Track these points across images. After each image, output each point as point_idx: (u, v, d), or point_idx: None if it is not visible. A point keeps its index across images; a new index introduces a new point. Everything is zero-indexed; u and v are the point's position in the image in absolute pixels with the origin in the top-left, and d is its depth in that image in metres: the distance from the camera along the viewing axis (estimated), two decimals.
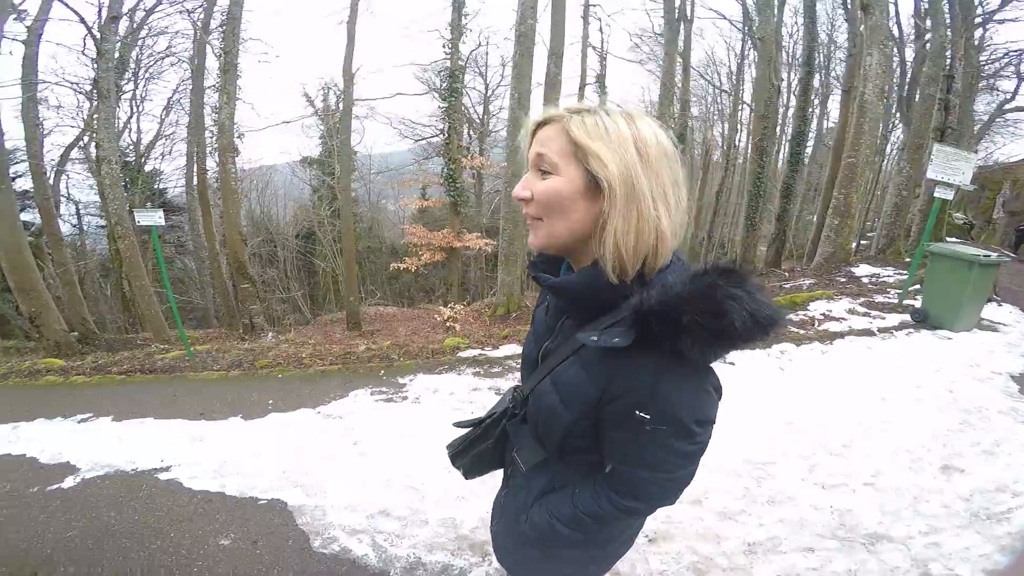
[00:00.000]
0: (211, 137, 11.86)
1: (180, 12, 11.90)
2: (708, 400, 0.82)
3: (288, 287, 20.56)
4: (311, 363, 5.78)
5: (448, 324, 7.51)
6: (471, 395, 4.24)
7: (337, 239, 17.98)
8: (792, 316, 5.57)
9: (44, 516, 2.95)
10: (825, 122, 21.82)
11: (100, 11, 8.55)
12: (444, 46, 12.57)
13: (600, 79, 15.33)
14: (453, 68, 12.65)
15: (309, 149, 20.87)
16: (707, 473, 2.75)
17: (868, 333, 5.15)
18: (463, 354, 5.41)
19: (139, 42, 13.54)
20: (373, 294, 19.42)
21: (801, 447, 3.06)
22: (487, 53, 18.71)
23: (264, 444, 3.64)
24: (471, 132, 18.85)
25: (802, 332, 5.19)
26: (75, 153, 14.77)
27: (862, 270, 8.24)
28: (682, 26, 13.30)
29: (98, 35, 7.51)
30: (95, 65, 7.57)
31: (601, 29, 15.85)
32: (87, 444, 3.92)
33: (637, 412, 0.78)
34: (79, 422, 4.47)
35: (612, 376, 0.80)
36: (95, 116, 9.86)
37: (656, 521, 2.40)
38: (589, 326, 0.82)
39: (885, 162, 21.16)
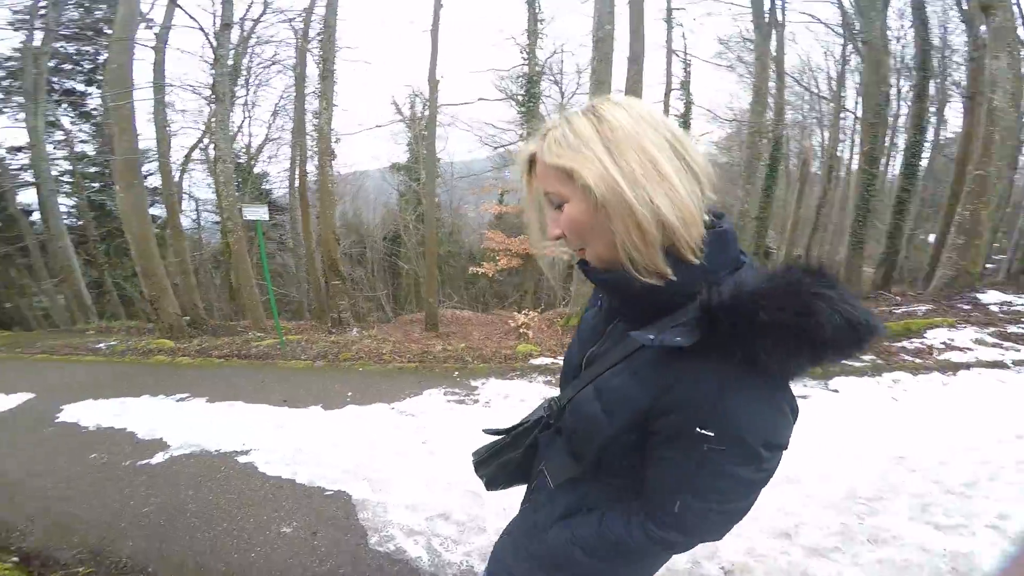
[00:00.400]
0: (311, 141, 12.79)
1: (283, 21, 13.00)
2: (783, 421, 0.70)
3: (374, 286, 21.62)
4: (390, 359, 5.97)
5: (521, 331, 7.50)
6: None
7: (420, 243, 18.67)
8: (906, 343, 4.97)
9: (128, 490, 3.21)
10: (942, 131, 19.58)
11: (215, 19, 9.55)
12: (521, 51, 12.71)
13: (685, 85, 14.78)
14: (531, 74, 12.76)
15: (397, 155, 21.98)
16: (800, 504, 2.48)
17: (1000, 365, 4.47)
18: (535, 361, 5.35)
19: (248, 50, 14.89)
20: (451, 297, 19.93)
21: (914, 484, 2.68)
22: (562, 61, 18.73)
23: (340, 435, 3.78)
24: None
25: (918, 361, 4.61)
26: (196, 154, 16.54)
27: (990, 296, 7.21)
28: (773, 31, 12.49)
29: (214, 42, 8.34)
30: (212, 70, 8.42)
31: (684, 35, 15.33)
32: (181, 423, 4.27)
33: (697, 429, 0.67)
34: (177, 401, 4.90)
35: (669, 384, 0.70)
36: (212, 119, 10.98)
37: (736, 552, 2.18)
38: (646, 328, 0.71)
39: (1018, 175, 18.58)
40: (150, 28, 9.43)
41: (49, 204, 13.10)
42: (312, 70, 11.95)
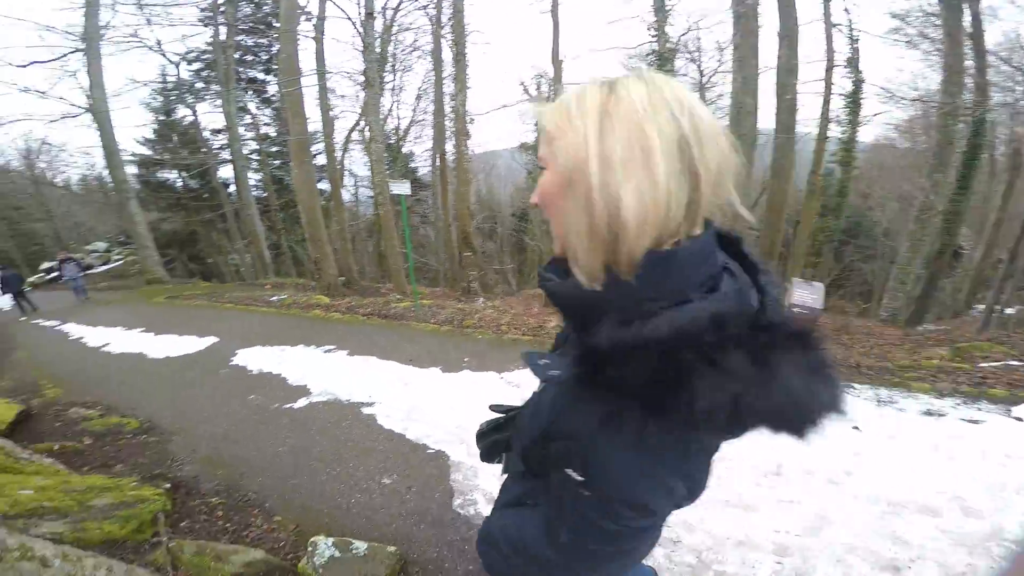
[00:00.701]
0: (449, 122, 13.49)
1: (418, 8, 13.66)
2: (651, 484, 0.60)
3: (502, 260, 22.46)
4: (507, 330, 6.17)
5: None
6: None
7: (544, 220, 18.91)
8: None
9: (272, 430, 3.68)
10: None
11: (359, 9, 10.40)
12: (648, 28, 11.81)
13: (852, 62, 12.58)
14: (661, 51, 11.84)
15: (526, 135, 22.28)
16: (927, 537, 2.07)
17: None
18: None
19: (392, 37, 15.96)
20: None
21: None
22: (699, 38, 17.07)
23: (451, 398, 3.96)
24: None
25: None
26: (355, 135, 18.38)
27: None
28: (965, 5, 10.09)
29: (361, 31, 9.11)
30: (362, 58, 9.24)
31: (846, 8, 12.92)
32: (323, 372, 4.81)
33: (566, 470, 0.63)
34: (324, 352, 5.58)
35: (560, 411, 0.66)
36: (365, 103, 12.12)
37: None
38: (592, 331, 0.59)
39: None
40: (309, 20, 10.59)
41: (241, 178, 15.65)
42: (447, 54, 12.50)
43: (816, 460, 2.58)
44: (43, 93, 10.29)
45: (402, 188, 8.24)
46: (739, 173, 0.58)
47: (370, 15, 8.83)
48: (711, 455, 0.68)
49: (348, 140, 18.00)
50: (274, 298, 11.11)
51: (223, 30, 13.50)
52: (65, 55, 10.35)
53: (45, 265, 21.05)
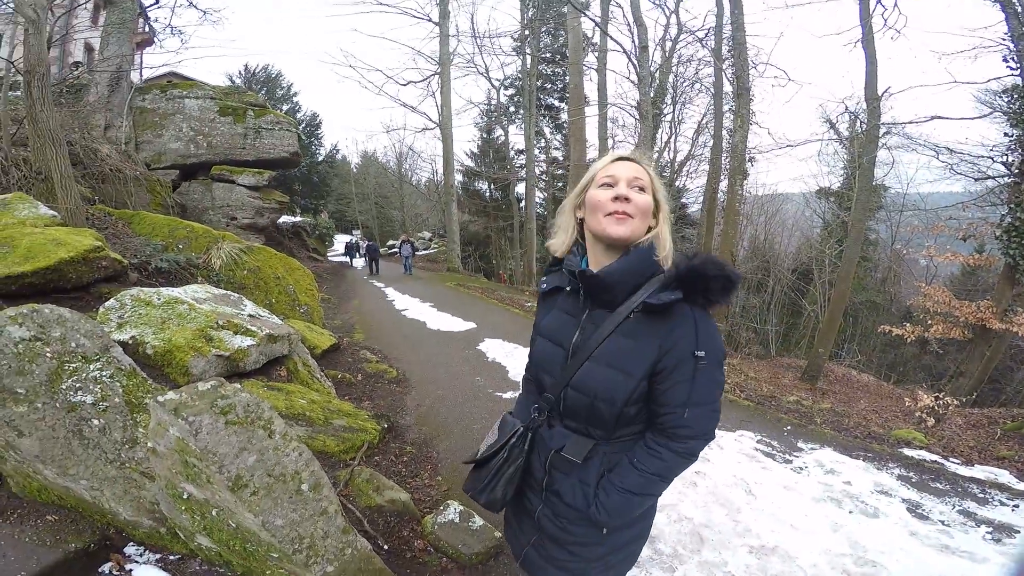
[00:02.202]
0: (726, 158, 12.88)
1: (693, 42, 13.20)
2: (721, 339, 1.10)
3: (766, 319, 20.13)
4: (729, 391, 5.72)
5: (921, 415, 5.68)
6: (873, 496, 3.19)
7: (832, 283, 16.13)
8: None
9: (477, 408, 4.30)
10: None
11: (633, 42, 10.72)
12: (1006, 58, 8.74)
13: None
14: None
15: (827, 180, 19.36)
16: None
17: None
18: (908, 451, 4.07)
19: (672, 69, 15.79)
20: (854, 355, 16.46)
21: None
22: None
23: None
24: None
25: None
26: None
27: None
28: None
29: (636, 63, 9.42)
30: (638, 90, 9.59)
31: None
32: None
33: (695, 352, 1.02)
34: None
35: (668, 330, 1.04)
36: (639, 135, 12.57)
37: None
38: (625, 305, 1.08)
39: None
40: (594, 52, 11.49)
41: (529, 195, 18.02)
42: (729, 87, 11.96)
43: None
44: (413, 108, 13.95)
45: None
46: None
47: (643, 48, 9.15)
48: None
49: None
50: (528, 303, 12.57)
51: (528, 59, 15.77)
52: (427, 78, 13.76)
53: (391, 242, 28.14)
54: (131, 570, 1.65)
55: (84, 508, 1.79)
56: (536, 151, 20.11)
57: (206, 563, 1.69)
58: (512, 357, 6.07)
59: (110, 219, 5.97)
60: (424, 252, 25.24)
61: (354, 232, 32.01)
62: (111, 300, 3.63)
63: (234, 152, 12.40)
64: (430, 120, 13.62)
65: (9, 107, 5.84)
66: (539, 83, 19.20)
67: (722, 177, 13.41)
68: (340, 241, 26.85)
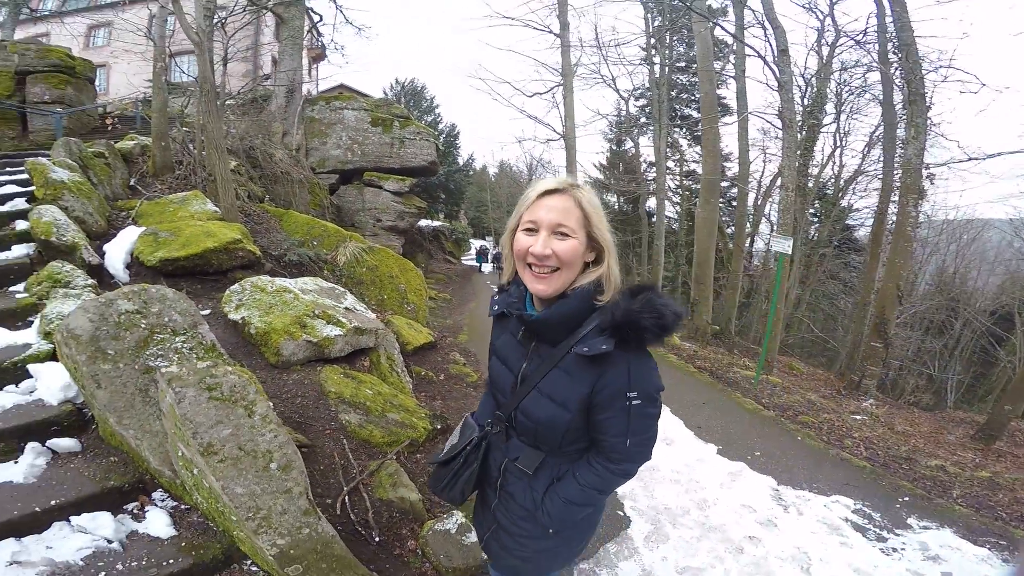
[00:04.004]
0: (898, 175, 10.93)
1: (852, 47, 11.19)
2: (658, 374, 1.14)
3: (946, 366, 16.67)
4: (850, 445, 4.90)
5: None
6: None
7: None
8: None
9: None
10: None
11: (770, 44, 9.43)
12: None
13: None
14: None
15: None
16: None
17: None
18: None
19: (832, 75, 13.71)
20: None
21: None
22: None
23: (703, 488, 3.61)
24: None
25: None
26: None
27: None
28: None
29: (775, 68, 8.33)
30: (779, 97, 8.51)
31: None
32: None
33: (627, 393, 1.08)
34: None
35: (600, 373, 1.08)
36: (784, 146, 11.26)
37: None
38: (565, 343, 1.13)
39: None
40: (724, 59, 10.53)
41: (659, 210, 17.23)
42: (899, 95, 10.11)
43: None
44: (538, 120, 14.26)
45: (782, 245, 7.59)
46: None
47: (782, 52, 8.13)
48: None
49: (773, 184, 17.07)
50: None
51: (656, 69, 15.04)
52: (550, 89, 13.98)
53: None
54: (148, 511, 1.99)
55: (132, 454, 2.19)
56: (670, 163, 19.18)
57: (202, 516, 1.97)
58: None
59: (266, 216, 7.11)
60: None
61: (487, 238, 33.68)
62: (236, 284, 4.34)
63: (382, 160, 13.91)
64: (554, 131, 13.83)
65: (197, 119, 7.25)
66: (673, 93, 18.28)
67: (892, 196, 11.47)
68: (476, 245, 28.43)
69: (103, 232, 4.89)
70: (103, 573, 1.74)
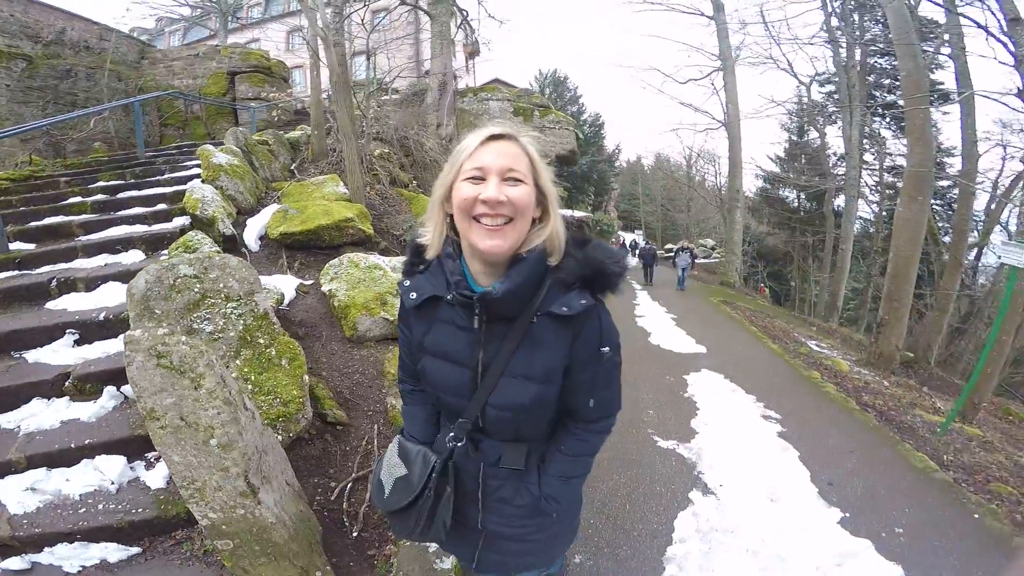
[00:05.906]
0: None
1: None
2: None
3: None
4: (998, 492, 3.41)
5: None
6: None
7: None
8: None
9: (628, 454, 3.83)
10: None
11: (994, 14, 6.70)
12: None
13: None
14: None
15: None
16: None
17: None
18: None
19: None
20: None
21: None
22: None
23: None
24: None
25: None
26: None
27: None
28: None
29: (1008, 41, 6.04)
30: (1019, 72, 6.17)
31: None
32: (737, 444, 4.53)
33: (600, 348, 1.05)
34: (763, 418, 5.00)
35: (575, 333, 1.02)
36: None
37: None
38: (525, 313, 1.00)
39: None
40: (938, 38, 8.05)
41: (848, 209, 14.45)
42: None
43: None
44: (696, 108, 12.95)
45: (1017, 257, 5.71)
46: None
47: (1013, 21, 5.94)
48: None
49: (1014, 187, 13.06)
50: (804, 340, 10.22)
51: (843, 50, 12.28)
52: (707, 75, 12.46)
53: (668, 246, 27.19)
54: (160, 462, 2.12)
55: None
56: (867, 156, 15.84)
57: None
58: (720, 403, 5.08)
59: (398, 199, 7.57)
60: (704, 260, 23.22)
61: (636, 231, 32.10)
62: (335, 259, 4.62)
63: None
64: (713, 119, 12.37)
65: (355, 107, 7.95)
66: (870, 78, 14.94)
67: None
68: (626, 239, 27.43)
69: (251, 208, 5.63)
70: (84, 508, 1.88)
